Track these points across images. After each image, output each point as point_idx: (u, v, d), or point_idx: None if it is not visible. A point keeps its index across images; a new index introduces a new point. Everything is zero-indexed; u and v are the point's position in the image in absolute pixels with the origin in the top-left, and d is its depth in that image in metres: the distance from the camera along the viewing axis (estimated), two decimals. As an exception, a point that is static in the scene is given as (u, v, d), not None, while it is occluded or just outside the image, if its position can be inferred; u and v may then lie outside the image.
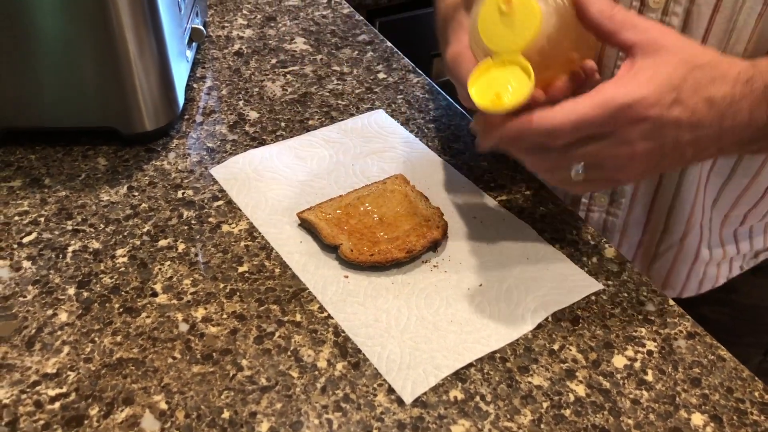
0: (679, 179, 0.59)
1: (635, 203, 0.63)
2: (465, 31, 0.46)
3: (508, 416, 0.43)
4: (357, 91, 0.72)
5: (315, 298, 0.50)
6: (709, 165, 0.59)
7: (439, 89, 0.73)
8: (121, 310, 0.49)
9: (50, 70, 0.58)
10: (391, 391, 0.44)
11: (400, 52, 0.79)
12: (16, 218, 0.56)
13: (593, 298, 0.51)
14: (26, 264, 0.52)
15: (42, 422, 0.42)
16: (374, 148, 0.64)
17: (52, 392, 0.43)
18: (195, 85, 0.72)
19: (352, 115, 0.68)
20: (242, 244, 0.54)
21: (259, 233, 0.55)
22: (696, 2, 0.50)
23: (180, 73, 0.66)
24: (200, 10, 0.75)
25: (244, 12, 0.86)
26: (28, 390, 0.43)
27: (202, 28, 0.71)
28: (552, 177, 0.45)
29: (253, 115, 0.68)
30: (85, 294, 0.50)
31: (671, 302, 0.51)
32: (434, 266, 0.52)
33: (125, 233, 0.55)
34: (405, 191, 0.57)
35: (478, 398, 0.44)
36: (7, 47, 0.57)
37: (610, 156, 0.41)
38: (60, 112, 0.61)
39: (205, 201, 0.58)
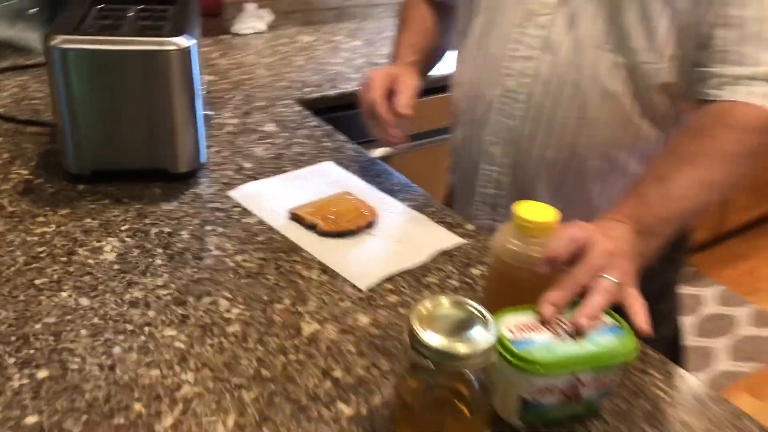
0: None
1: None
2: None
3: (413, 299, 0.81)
4: (312, 152, 1.12)
5: (304, 249, 0.87)
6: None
7: (362, 150, 1.14)
8: (191, 256, 0.85)
9: (127, 128, 0.96)
10: (353, 285, 0.82)
11: (338, 131, 1.20)
12: (112, 218, 0.91)
13: (456, 249, 0.91)
14: (128, 240, 0.87)
15: None
16: (330, 179, 1.04)
17: (166, 290, 0.78)
18: (207, 149, 1.10)
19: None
20: (255, 228, 0.91)
21: (266, 223, 0.93)
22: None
23: (203, 138, 1.04)
24: (206, 104, 1.15)
25: (229, 109, 1.26)
26: (152, 289, 0.78)
27: (210, 113, 1.11)
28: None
29: (248, 164, 1.07)
30: (169, 251, 0.85)
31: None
32: (370, 234, 0.91)
33: (182, 224, 0.91)
34: (350, 198, 0.97)
35: (400, 292, 0.82)
36: (95, 108, 0.94)
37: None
38: (130, 157, 0.98)
39: (228, 208, 0.95)
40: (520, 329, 0.61)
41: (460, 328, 0.57)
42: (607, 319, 0.63)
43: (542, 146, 0.94)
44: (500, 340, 0.59)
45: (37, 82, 1.30)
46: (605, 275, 0.65)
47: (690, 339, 2.32)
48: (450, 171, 1.14)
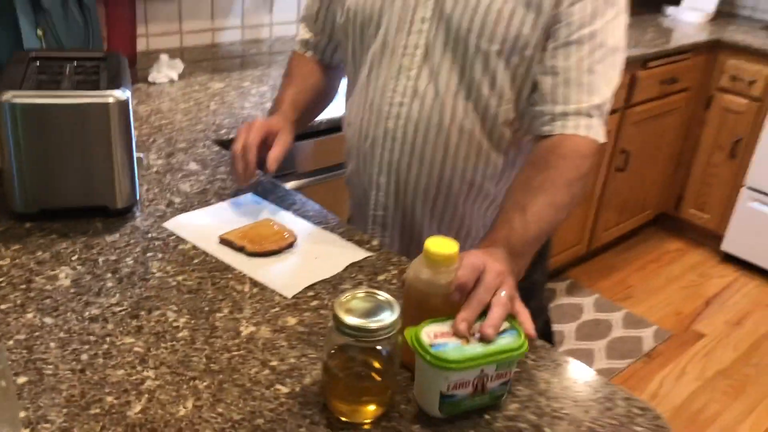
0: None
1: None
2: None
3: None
4: (233, 186, 1.28)
5: (235, 268, 1.03)
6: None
7: (277, 182, 1.31)
8: (137, 276, 0.98)
9: (70, 171, 1.09)
10: (280, 295, 0.98)
11: (254, 167, 1.37)
12: (62, 250, 1.03)
13: (361, 262, 1.09)
14: (79, 268, 1.00)
15: None
16: (251, 209, 1.20)
17: (120, 306, 0.92)
18: (140, 187, 1.24)
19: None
20: (190, 252, 1.06)
21: (199, 248, 1.07)
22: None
23: (137, 178, 1.18)
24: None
25: (154, 151, 1.40)
26: (108, 306, 0.92)
27: (141, 155, 1.25)
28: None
29: (177, 199, 1.22)
30: (117, 275, 0.99)
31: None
32: (291, 253, 1.08)
33: (125, 252, 1.05)
34: (272, 224, 1.14)
35: (317, 295, 0.99)
36: (40, 154, 1.07)
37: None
38: (73, 196, 1.10)
39: (164, 237, 1.10)
40: (437, 336, 0.77)
41: (371, 312, 0.75)
42: (504, 324, 0.80)
43: (417, 175, 1.16)
44: (421, 345, 0.75)
45: (-34, 132, 1.38)
46: (501, 293, 0.81)
47: (572, 342, 2.60)
48: (349, 199, 1.34)
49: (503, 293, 0.81)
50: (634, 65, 2.68)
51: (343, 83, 1.32)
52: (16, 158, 1.06)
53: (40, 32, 1.52)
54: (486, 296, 0.80)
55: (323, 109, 1.37)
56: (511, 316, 0.81)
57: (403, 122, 1.13)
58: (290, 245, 1.09)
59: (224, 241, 1.09)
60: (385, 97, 1.14)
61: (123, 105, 1.08)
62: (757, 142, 3.05)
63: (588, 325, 2.71)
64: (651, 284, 3.06)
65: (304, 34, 1.33)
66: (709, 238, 3.35)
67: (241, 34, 2.21)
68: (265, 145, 1.16)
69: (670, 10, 3.43)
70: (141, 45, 1.95)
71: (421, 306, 0.82)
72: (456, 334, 0.77)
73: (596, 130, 1.05)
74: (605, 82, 1.06)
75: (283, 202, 1.23)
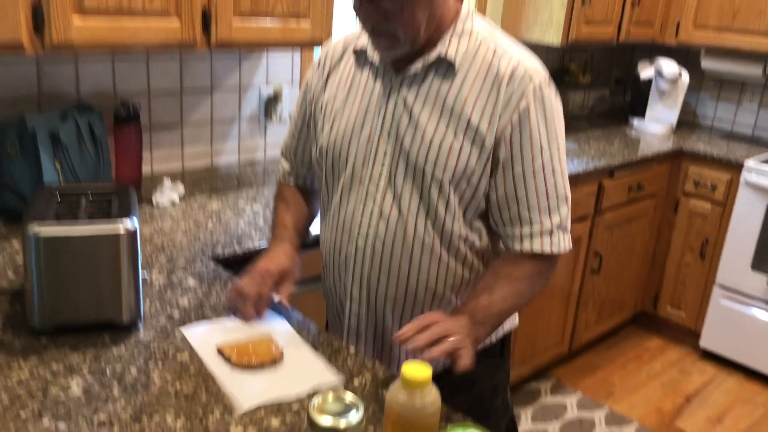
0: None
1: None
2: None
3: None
4: (227, 303, 1.43)
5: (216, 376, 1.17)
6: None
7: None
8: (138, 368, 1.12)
9: (82, 291, 1.24)
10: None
11: (245, 282, 1.52)
12: (74, 362, 1.17)
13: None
14: (89, 378, 1.13)
15: None
16: (262, 322, 1.35)
17: None
18: (143, 303, 1.39)
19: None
20: (187, 362, 1.20)
21: (196, 357, 1.21)
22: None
23: (141, 295, 1.33)
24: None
25: (156, 269, 1.56)
26: None
27: (145, 276, 1.41)
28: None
29: (176, 313, 1.36)
30: (123, 384, 1.12)
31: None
32: (272, 369, 1.22)
33: (130, 363, 1.19)
34: (268, 341, 1.27)
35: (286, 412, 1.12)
36: (58, 277, 1.22)
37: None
38: (84, 314, 1.25)
39: (164, 348, 1.24)
40: None
41: (340, 412, 0.89)
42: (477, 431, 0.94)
43: (386, 286, 1.32)
44: None
45: (-11, 255, 1.55)
46: (447, 339, 1.06)
47: (556, 442, 2.67)
48: (326, 308, 1.50)
49: (450, 339, 1.10)
50: (600, 174, 2.90)
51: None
52: (37, 281, 1.22)
53: (57, 165, 1.72)
54: (426, 339, 1.09)
55: (310, 226, 1.56)
56: (475, 425, 0.95)
57: (371, 240, 1.30)
58: (274, 362, 1.22)
59: (219, 351, 1.23)
60: (355, 218, 1.31)
61: (131, 234, 1.25)
62: (723, 243, 3.23)
63: (572, 424, 2.78)
64: (632, 381, 3.15)
65: (285, 166, 1.54)
66: (688, 335, 3.47)
67: (237, 158, 2.42)
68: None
69: (636, 122, 3.71)
70: (145, 169, 2.15)
71: (400, 425, 0.95)
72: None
73: (558, 245, 1.26)
74: (560, 203, 1.25)
75: (273, 312, 1.38)
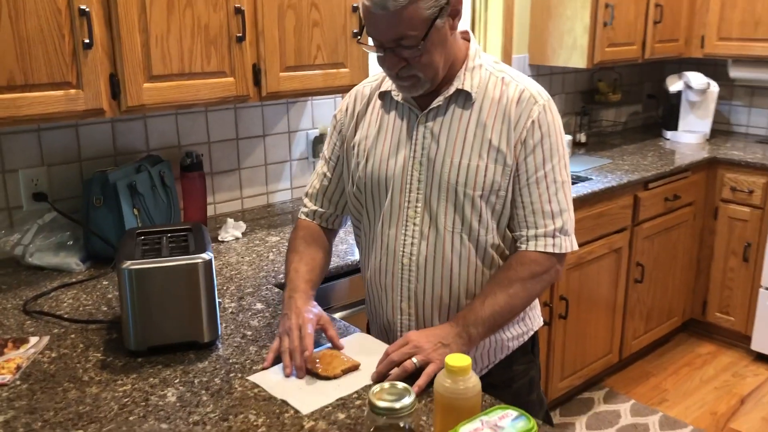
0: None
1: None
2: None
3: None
4: (292, 320, 1.61)
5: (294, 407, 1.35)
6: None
7: (326, 314, 1.64)
8: (218, 386, 1.31)
9: (170, 316, 1.44)
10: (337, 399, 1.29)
11: (306, 303, 1.71)
12: (167, 376, 1.37)
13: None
14: (181, 388, 1.33)
15: None
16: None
17: None
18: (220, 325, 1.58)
19: (293, 327, 1.58)
20: (251, 391, 1.39)
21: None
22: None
23: (218, 318, 1.52)
24: (214, 294, 1.65)
25: (227, 296, 1.76)
26: None
27: (220, 300, 1.60)
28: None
29: (248, 332, 1.56)
30: (210, 392, 1.31)
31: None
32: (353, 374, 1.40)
33: (214, 374, 1.38)
34: (338, 353, 1.44)
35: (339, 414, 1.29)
36: (148, 305, 1.43)
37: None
38: (172, 335, 1.45)
39: (242, 361, 1.43)
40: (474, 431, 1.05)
41: (395, 398, 1.06)
42: (516, 411, 1.08)
43: (431, 297, 1.48)
44: None
45: (84, 293, 1.78)
46: (412, 359, 1.26)
47: (611, 447, 2.76)
48: (367, 328, 1.66)
49: (415, 359, 1.28)
50: (634, 187, 3.02)
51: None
52: (131, 310, 1.43)
53: (136, 212, 1.95)
54: (396, 358, 1.29)
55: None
56: (519, 409, 1.10)
57: (415, 258, 1.47)
58: (356, 368, 1.38)
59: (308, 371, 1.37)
60: (398, 241, 1.48)
61: (208, 264, 1.45)
62: (766, 245, 3.29)
63: (626, 429, 2.87)
64: (685, 387, 3.21)
65: (311, 206, 1.65)
66: (739, 339, 3.51)
67: (290, 195, 2.64)
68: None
69: (670, 134, 3.81)
70: (210, 211, 2.38)
71: (447, 409, 1.11)
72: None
73: (561, 246, 1.42)
74: (562, 208, 1.41)
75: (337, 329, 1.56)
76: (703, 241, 3.54)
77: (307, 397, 1.30)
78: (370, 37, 1.36)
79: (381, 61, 1.39)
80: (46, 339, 1.53)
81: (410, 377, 1.29)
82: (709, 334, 3.64)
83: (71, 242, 1.96)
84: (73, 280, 1.86)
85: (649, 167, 3.17)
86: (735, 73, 3.69)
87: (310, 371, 1.36)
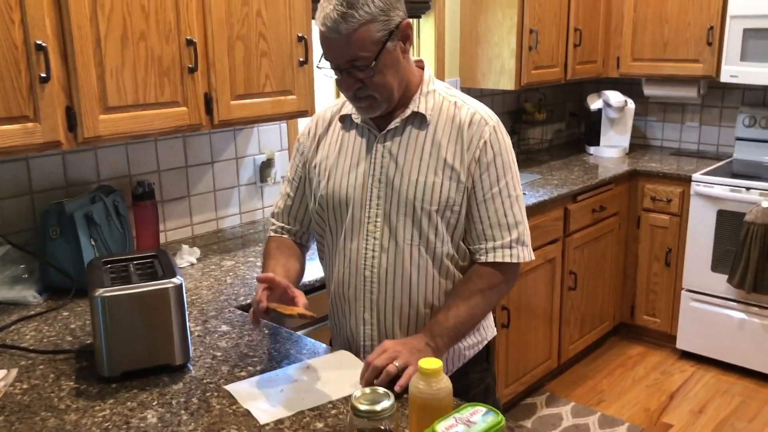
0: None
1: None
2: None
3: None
4: (258, 338, 1.67)
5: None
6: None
7: (290, 331, 1.71)
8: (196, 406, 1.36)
9: (142, 341, 1.48)
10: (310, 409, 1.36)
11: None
12: (144, 399, 1.41)
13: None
14: (160, 410, 1.37)
15: (200, 435, 1.27)
16: (286, 376, 1.59)
17: None
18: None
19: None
20: (230, 408, 1.44)
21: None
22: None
23: (189, 340, 1.57)
24: (180, 319, 1.69)
25: (191, 320, 1.80)
26: None
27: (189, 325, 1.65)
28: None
29: (218, 353, 1.61)
30: (189, 411, 1.36)
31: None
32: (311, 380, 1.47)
33: (190, 395, 1.42)
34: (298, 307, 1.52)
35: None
36: (121, 331, 1.46)
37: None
38: (144, 359, 1.49)
39: (215, 381, 1.48)
40: (447, 428, 1.14)
41: (376, 400, 1.14)
42: (485, 407, 1.18)
43: (392, 307, 1.57)
44: None
45: (45, 325, 1.78)
46: (394, 362, 1.36)
47: (556, 447, 2.90)
48: (330, 343, 1.73)
49: (396, 363, 1.36)
50: (564, 200, 3.21)
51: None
52: (104, 336, 1.46)
53: (93, 242, 1.97)
54: (379, 363, 1.37)
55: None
56: (487, 405, 1.20)
57: (377, 270, 1.56)
58: (312, 317, 1.41)
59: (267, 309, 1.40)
60: (360, 254, 1.57)
61: (178, 288, 1.50)
62: (684, 250, 3.54)
63: (568, 431, 3.02)
64: (620, 387, 3.41)
65: (278, 224, 1.73)
66: (665, 339, 3.75)
67: (239, 219, 2.69)
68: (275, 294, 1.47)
69: (593, 149, 4.06)
70: (161, 239, 2.40)
71: (421, 409, 1.21)
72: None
73: (518, 256, 1.54)
74: (518, 221, 1.54)
75: (300, 345, 1.63)
76: (628, 248, 3.77)
77: (271, 408, 1.37)
78: (327, 61, 1.46)
79: (339, 84, 1.49)
80: (14, 371, 1.54)
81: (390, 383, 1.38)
82: (638, 336, 3.87)
83: (26, 275, 1.96)
84: (32, 312, 1.86)
85: (576, 181, 3.38)
86: (648, 90, 3.97)
87: (272, 312, 1.40)
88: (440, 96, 1.56)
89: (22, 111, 1.70)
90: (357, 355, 1.63)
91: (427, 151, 1.52)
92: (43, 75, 1.71)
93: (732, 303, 3.41)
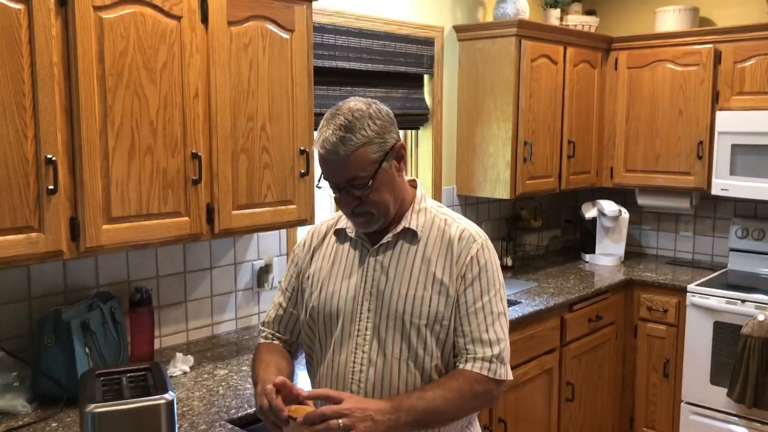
0: None
1: None
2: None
3: None
4: (248, 456, 1.64)
5: None
6: None
7: None
8: None
9: (132, 461, 1.45)
10: None
11: (261, 439, 1.74)
12: None
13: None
14: None
15: None
16: None
17: None
18: None
19: None
20: None
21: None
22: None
23: None
24: (170, 433, 1.66)
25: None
26: None
27: (176, 440, 1.62)
28: None
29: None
30: None
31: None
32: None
33: None
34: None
35: None
36: None
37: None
38: None
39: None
40: None
41: None
42: None
43: None
44: None
45: (32, 438, 1.76)
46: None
47: None
48: None
49: (341, 421, 1.34)
50: (561, 309, 3.22)
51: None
52: (92, 454, 1.44)
53: (87, 350, 1.97)
54: (326, 412, 1.34)
55: None
56: None
57: (363, 384, 1.55)
58: None
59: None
60: (348, 367, 1.57)
61: (170, 404, 1.50)
62: (683, 361, 3.51)
63: None
64: (621, 505, 3.29)
65: (269, 332, 1.74)
66: (666, 454, 3.65)
67: (235, 325, 2.69)
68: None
69: (588, 257, 4.10)
70: (156, 344, 2.39)
71: None
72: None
73: (496, 372, 1.53)
74: (499, 338, 1.55)
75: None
76: (626, 358, 3.74)
77: None
78: (326, 180, 1.53)
79: (338, 202, 1.54)
80: (-3, 488, 1.51)
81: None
82: (639, 450, 3.78)
83: (17, 383, 1.94)
84: (20, 423, 1.83)
85: (572, 290, 3.40)
86: (642, 200, 4.05)
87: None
88: (431, 213, 1.61)
89: (27, 222, 1.74)
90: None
91: (417, 265, 1.56)
92: (51, 187, 1.76)
93: (733, 417, 3.35)
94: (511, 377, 1.58)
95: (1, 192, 1.69)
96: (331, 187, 1.53)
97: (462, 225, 1.60)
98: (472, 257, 1.55)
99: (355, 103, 1.51)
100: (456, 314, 1.55)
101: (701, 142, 3.64)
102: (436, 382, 1.53)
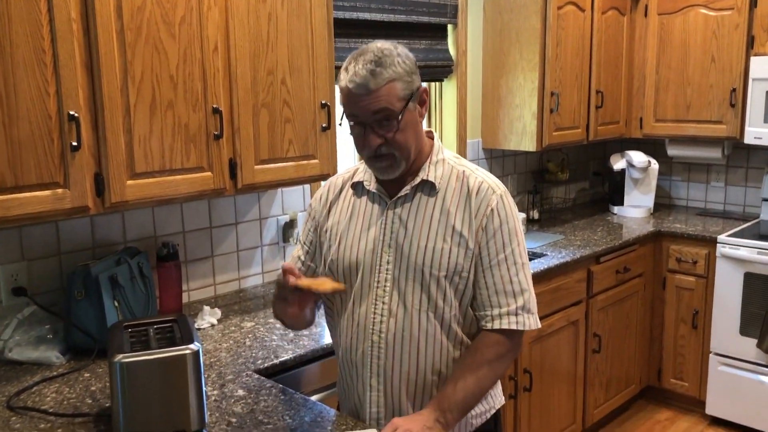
0: None
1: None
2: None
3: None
4: (275, 404, 1.68)
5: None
6: None
7: (305, 397, 1.71)
8: None
9: (159, 406, 1.49)
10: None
11: (286, 387, 1.77)
12: (158, 467, 1.42)
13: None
14: None
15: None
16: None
17: None
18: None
19: (276, 412, 1.64)
20: (251, 457, 1.44)
21: (257, 453, 1.45)
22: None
23: (205, 406, 1.58)
24: (198, 383, 1.70)
25: (209, 384, 1.82)
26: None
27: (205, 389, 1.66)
28: None
29: (233, 419, 1.61)
30: None
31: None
32: None
33: (205, 462, 1.43)
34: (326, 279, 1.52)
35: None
36: (139, 396, 1.48)
37: None
38: (160, 424, 1.50)
39: (230, 448, 1.48)
40: None
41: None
42: None
43: (399, 373, 1.56)
44: None
45: (67, 387, 1.81)
46: None
47: None
48: (339, 408, 1.73)
49: None
50: (588, 261, 3.19)
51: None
52: (122, 401, 1.48)
53: (116, 303, 2.01)
54: None
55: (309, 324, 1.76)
56: None
57: (384, 335, 1.56)
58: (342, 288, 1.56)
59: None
60: (368, 319, 1.58)
61: (195, 354, 1.52)
62: (712, 312, 3.48)
63: (593, 499, 2.93)
64: (647, 454, 3.31)
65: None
66: (694, 404, 3.65)
67: (262, 279, 2.72)
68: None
69: (617, 209, 4.04)
70: (184, 298, 2.44)
71: None
72: None
73: (524, 323, 1.54)
74: (523, 288, 1.55)
75: (313, 411, 1.63)
76: (654, 310, 3.72)
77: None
78: (351, 118, 1.51)
79: (361, 143, 1.52)
80: (34, 434, 1.56)
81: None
82: (666, 400, 3.78)
83: (50, 335, 2.00)
84: (54, 373, 1.89)
85: (599, 242, 3.36)
86: (672, 151, 3.97)
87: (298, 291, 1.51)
88: (449, 165, 1.60)
89: (53, 178, 1.76)
90: (363, 421, 1.63)
91: (436, 218, 1.55)
92: (75, 143, 1.78)
93: (763, 368, 3.33)
94: (539, 325, 1.58)
95: (26, 148, 1.71)
96: (355, 125, 1.51)
97: (480, 176, 1.58)
98: (492, 209, 1.54)
99: (382, 43, 1.52)
100: (478, 267, 1.54)
101: (734, 90, 3.54)
102: (463, 363, 1.54)
